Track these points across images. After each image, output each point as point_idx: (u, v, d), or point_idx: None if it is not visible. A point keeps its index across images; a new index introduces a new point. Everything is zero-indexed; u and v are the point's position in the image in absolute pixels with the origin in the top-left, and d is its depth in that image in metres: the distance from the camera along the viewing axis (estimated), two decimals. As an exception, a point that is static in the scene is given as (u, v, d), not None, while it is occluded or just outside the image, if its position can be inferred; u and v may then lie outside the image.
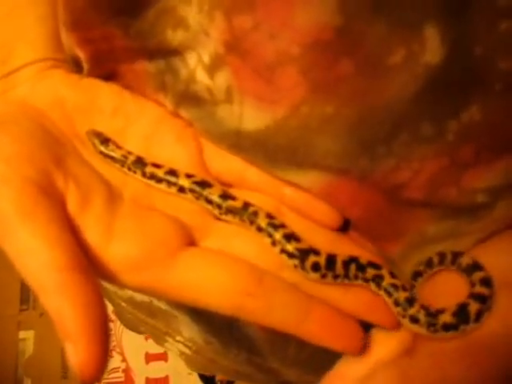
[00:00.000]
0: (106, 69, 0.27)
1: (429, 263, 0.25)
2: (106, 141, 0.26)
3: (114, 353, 1.22)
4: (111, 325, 1.23)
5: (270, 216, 0.24)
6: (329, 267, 0.23)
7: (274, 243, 0.24)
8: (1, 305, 1.19)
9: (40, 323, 1.15)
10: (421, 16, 0.19)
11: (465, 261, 0.24)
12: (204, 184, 0.25)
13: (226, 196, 0.25)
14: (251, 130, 0.23)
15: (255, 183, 0.26)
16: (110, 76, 0.27)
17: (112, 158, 0.26)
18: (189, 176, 0.25)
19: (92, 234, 0.21)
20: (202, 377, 1.16)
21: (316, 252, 0.24)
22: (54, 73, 0.27)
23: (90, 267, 0.20)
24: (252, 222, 0.24)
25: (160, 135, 0.26)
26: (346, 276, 0.24)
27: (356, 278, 0.24)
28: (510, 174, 0.22)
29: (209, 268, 0.22)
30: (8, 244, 0.19)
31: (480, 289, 0.23)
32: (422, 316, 0.23)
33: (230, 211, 0.25)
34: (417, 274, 0.25)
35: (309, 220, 0.25)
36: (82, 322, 0.17)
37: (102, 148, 0.26)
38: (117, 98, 0.27)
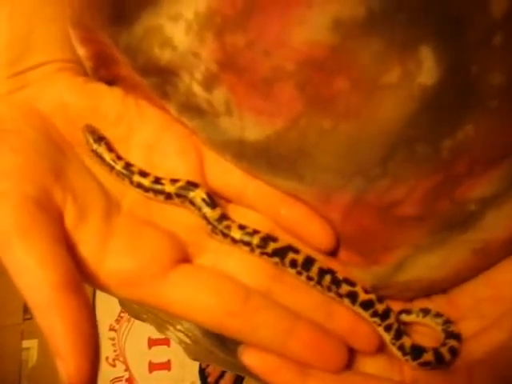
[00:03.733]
0: (109, 70, 0.27)
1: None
2: (99, 139, 0.26)
3: (117, 362, 1.22)
4: (115, 334, 1.23)
5: (242, 227, 0.25)
6: (305, 267, 0.25)
7: (252, 250, 0.25)
8: (4, 314, 1.19)
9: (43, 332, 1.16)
10: (416, 36, 0.18)
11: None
12: (188, 188, 0.25)
13: (206, 202, 0.25)
14: (253, 140, 0.24)
15: (253, 200, 0.26)
16: (115, 78, 0.28)
17: (102, 159, 0.25)
18: (174, 181, 0.25)
19: (87, 249, 0.22)
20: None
21: (295, 250, 0.25)
22: (60, 76, 0.27)
23: (83, 284, 0.20)
24: (226, 235, 0.25)
25: (162, 145, 0.27)
26: (319, 283, 0.25)
27: (329, 290, 0.25)
28: (501, 183, 0.23)
29: (196, 288, 0.23)
30: (6, 259, 0.20)
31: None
32: (407, 346, 0.25)
33: (205, 218, 0.25)
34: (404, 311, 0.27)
35: (301, 242, 0.26)
36: (71, 340, 0.18)
37: (95, 147, 0.25)
38: (120, 104, 0.27)
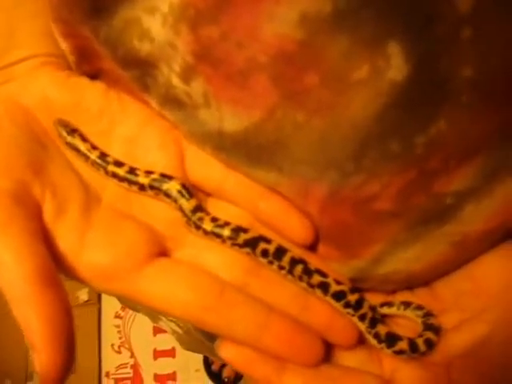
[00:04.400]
0: (92, 64, 0.27)
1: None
2: (72, 132, 0.25)
3: (122, 349, 1.24)
4: (120, 321, 1.25)
5: (214, 219, 0.25)
6: (276, 256, 0.25)
7: (223, 241, 0.25)
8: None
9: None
10: (383, 32, 0.18)
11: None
12: (162, 180, 0.26)
13: (182, 193, 0.25)
14: (231, 131, 0.23)
15: (232, 194, 0.26)
16: (98, 72, 0.28)
17: (77, 150, 0.26)
18: (148, 173, 0.26)
19: (66, 242, 0.22)
20: (209, 373, 1.17)
21: (266, 240, 0.25)
22: (43, 71, 0.27)
23: (60, 279, 0.20)
24: (198, 227, 0.25)
25: (143, 139, 0.27)
26: (291, 272, 0.25)
27: (301, 279, 0.25)
28: (478, 177, 0.22)
29: (171, 283, 0.23)
30: None
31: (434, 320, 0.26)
32: (382, 333, 0.25)
33: (181, 209, 0.25)
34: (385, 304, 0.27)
35: (280, 236, 0.26)
36: (45, 333, 0.19)
37: (69, 139, 0.25)
38: (102, 98, 0.27)
